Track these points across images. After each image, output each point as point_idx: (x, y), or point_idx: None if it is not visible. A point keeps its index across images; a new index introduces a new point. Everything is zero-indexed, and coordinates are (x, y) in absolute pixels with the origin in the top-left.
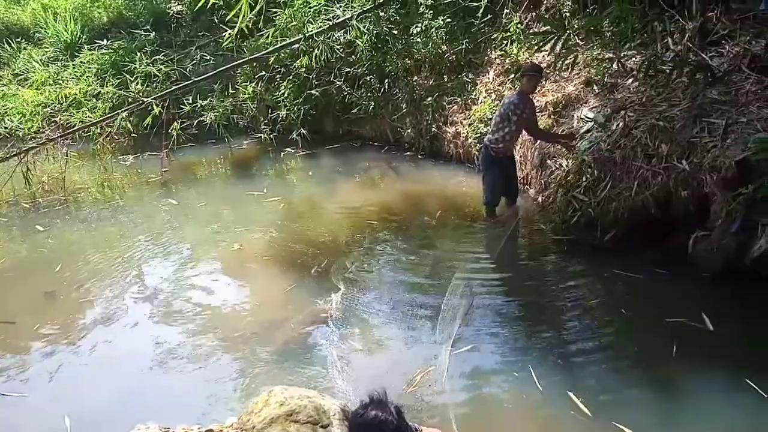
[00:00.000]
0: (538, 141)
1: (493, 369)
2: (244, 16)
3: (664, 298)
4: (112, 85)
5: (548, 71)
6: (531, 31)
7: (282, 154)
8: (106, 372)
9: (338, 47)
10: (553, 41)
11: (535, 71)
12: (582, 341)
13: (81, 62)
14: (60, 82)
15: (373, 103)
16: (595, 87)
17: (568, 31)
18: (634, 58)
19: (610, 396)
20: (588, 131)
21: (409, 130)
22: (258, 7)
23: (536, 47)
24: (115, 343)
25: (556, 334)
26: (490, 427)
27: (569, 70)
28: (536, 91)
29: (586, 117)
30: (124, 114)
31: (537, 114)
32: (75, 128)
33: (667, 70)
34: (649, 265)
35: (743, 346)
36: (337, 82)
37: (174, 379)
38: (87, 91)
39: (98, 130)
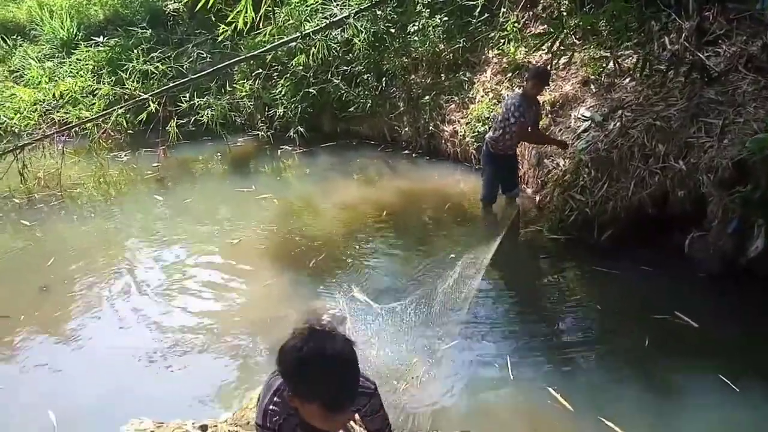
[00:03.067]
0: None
1: (476, 363)
2: (246, 14)
3: (656, 296)
4: (109, 82)
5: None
6: (528, 31)
7: (279, 151)
8: (97, 368)
9: (336, 45)
10: (550, 41)
11: (540, 77)
12: (568, 338)
13: (77, 59)
14: (56, 79)
15: (370, 102)
16: (592, 86)
17: (564, 31)
18: (630, 58)
19: (591, 390)
20: (585, 131)
21: (406, 129)
22: (263, 10)
23: (534, 48)
24: (106, 339)
25: (542, 331)
26: (469, 422)
27: (566, 70)
28: (540, 94)
29: (584, 116)
30: (121, 111)
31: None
32: (71, 125)
33: (664, 70)
34: (645, 264)
35: (726, 344)
36: (335, 81)
37: (168, 374)
38: (83, 88)
39: (94, 127)
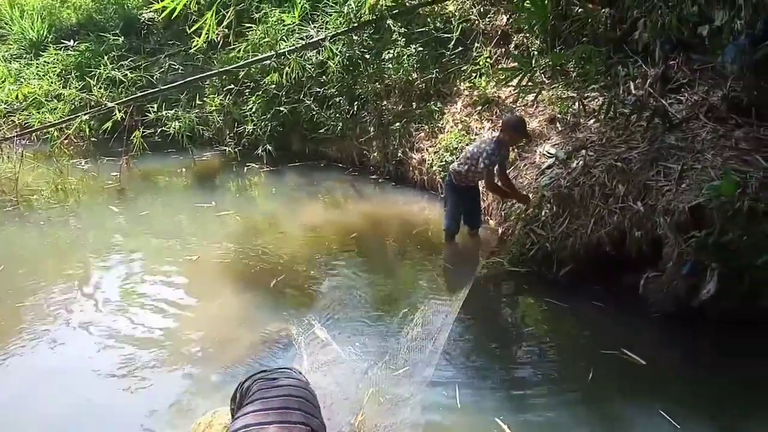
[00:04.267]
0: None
1: (424, 390)
2: (209, 29)
3: (608, 333)
4: (75, 87)
5: (515, 107)
6: (500, 66)
7: (245, 168)
8: (42, 387)
9: (310, 66)
10: (519, 77)
11: (516, 130)
12: (518, 369)
13: (45, 62)
14: (21, 80)
15: (341, 125)
16: (558, 125)
17: (534, 68)
18: (596, 100)
19: (538, 422)
20: (549, 167)
21: (375, 154)
22: (227, 22)
23: (504, 82)
24: (53, 356)
25: (493, 361)
26: None
27: (534, 107)
28: (515, 144)
29: (548, 153)
30: (85, 117)
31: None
32: (33, 129)
33: (628, 113)
34: (600, 301)
35: (671, 382)
36: (307, 101)
37: (115, 395)
38: (49, 92)
39: (56, 133)
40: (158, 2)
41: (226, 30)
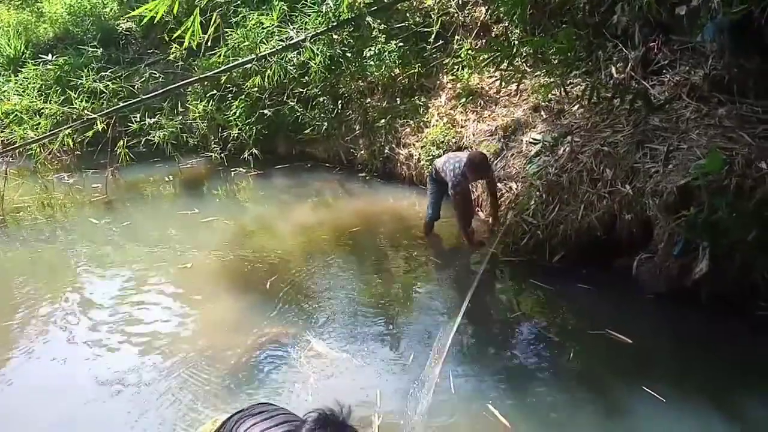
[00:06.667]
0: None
1: (419, 376)
2: (193, 33)
3: (601, 316)
4: (56, 101)
5: (498, 97)
6: (482, 59)
7: (233, 173)
8: (36, 403)
9: (291, 68)
10: (499, 60)
11: (473, 167)
12: (511, 354)
13: (24, 78)
14: (1, 97)
15: (326, 124)
16: (542, 113)
17: (513, 52)
18: (579, 85)
19: (528, 405)
20: (537, 155)
21: (362, 152)
22: (213, 26)
23: (485, 65)
24: (48, 371)
25: (487, 346)
26: None
27: (518, 96)
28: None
29: (535, 139)
30: (68, 131)
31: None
32: (15, 146)
33: (610, 97)
34: (593, 285)
35: (658, 360)
36: (290, 103)
37: (111, 407)
38: (29, 107)
39: (39, 148)
40: (141, 6)
41: (212, 33)
